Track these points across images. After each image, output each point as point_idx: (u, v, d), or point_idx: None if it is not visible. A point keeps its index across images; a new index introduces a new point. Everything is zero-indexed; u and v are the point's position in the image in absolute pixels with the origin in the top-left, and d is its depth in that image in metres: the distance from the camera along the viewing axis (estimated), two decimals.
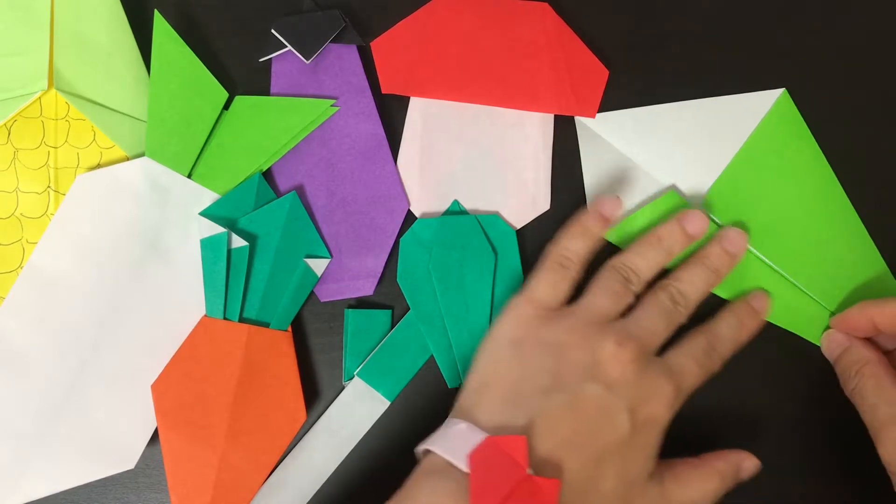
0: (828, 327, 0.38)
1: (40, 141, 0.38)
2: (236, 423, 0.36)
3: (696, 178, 0.39)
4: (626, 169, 0.40)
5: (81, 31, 0.39)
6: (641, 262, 0.36)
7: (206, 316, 0.37)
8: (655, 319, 0.34)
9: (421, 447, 0.32)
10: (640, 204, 0.39)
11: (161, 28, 0.38)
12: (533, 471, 0.30)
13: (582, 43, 0.40)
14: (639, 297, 0.36)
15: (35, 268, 0.37)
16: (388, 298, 0.40)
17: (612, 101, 0.41)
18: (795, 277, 0.39)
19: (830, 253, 0.39)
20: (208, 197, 0.39)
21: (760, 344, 0.39)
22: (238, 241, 0.37)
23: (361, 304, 0.40)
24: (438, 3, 0.41)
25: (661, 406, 0.32)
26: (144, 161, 0.38)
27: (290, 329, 0.38)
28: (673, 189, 0.39)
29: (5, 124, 0.38)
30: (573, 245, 0.36)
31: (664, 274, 0.37)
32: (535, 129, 0.40)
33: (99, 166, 0.38)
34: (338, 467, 0.38)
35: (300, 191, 0.39)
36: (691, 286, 0.36)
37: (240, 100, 0.39)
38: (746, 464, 0.35)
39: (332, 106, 0.40)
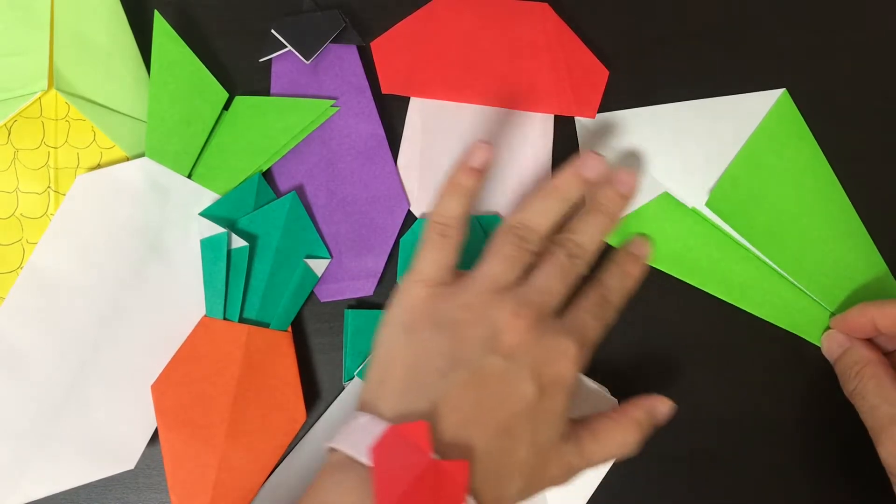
0: (828, 328, 0.38)
1: (40, 141, 0.38)
2: (236, 423, 0.36)
3: (697, 178, 0.39)
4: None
5: (81, 31, 0.39)
6: (537, 217, 0.34)
7: (206, 316, 0.37)
8: (553, 279, 0.33)
9: (326, 444, 0.31)
10: (639, 204, 0.39)
11: (161, 28, 0.38)
12: (440, 454, 0.29)
13: (582, 43, 0.40)
14: (540, 253, 0.35)
15: (35, 268, 0.37)
16: (388, 298, 0.39)
17: (612, 101, 0.41)
18: (796, 278, 0.39)
19: (831, 253, 0.39)
20: (208, 197, 0.39)
21: (761, 344, 0.39)
22: (238, 241, 0.37)
23: (361, 304, 0.40)
24: (438, 3, 0.41)
25: (565, 365, 0.32)
26: (144, 161, 0.38)
27: (290, 329, 0.38)
28: (668, 191, 0.39)
29: (5, 124, 0.38)
30: (448, 208, 0.34)
31: None
32: (535, 129, 0.40)
33: (99, 166, 0.38)
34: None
35: (300, 191, 0.39)
36: (587, 236, 0.35)
37: (240, 100, 0.39)
38: (661, 408, 0.34)
39: (332, 106, 0.40)
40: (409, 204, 0.40)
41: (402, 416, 0.30)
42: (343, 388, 0.38)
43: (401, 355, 0.32)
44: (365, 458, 0.29)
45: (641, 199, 0.39)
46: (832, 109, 0.41)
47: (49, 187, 0.38)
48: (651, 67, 0.42)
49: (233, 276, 0.37)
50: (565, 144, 0.41)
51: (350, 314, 0.38)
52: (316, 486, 0.30)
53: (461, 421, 0.30)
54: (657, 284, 0.39)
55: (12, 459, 0.35)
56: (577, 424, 0.33)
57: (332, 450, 0.31)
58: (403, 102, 0.41)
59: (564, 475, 0.33)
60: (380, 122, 0.40)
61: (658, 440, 0.39)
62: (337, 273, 0.39)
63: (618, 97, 0.41)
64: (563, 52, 0.40)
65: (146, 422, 0.37)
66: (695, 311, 0.39)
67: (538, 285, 0.33)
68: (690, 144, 0.40)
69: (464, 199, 0.34)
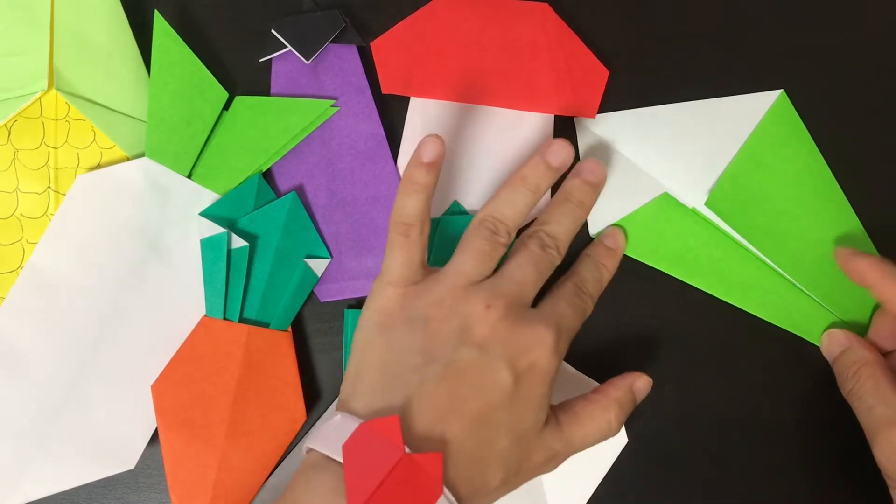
0: (828, 327, 0.38)
1: (40, 141, 0.38)
2: (236, 423, 0.36)
3: (695, 179, 0.39)
4: (626, 170, 0.40)
5: (81, 31, 0.39)
6: (507, 209, 0.34)
7: (206, 316, 0.37)
8: (525, 270, 0.33)
9: (303, 445, 0.32)
10: (639, 205, 0.39)
11: (161, 28, 0.38)
12: (415, 449, 0.29)
13: (582, 43, 0.40)
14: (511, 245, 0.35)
15: (35, 268, 0.37)
16: None
17: (612, 101, 0.41)
18: (795, 277, 0.39)
19: (829, 253, 0.39)
20: (208, 197, 0.39)
21: (761, 344, 0.39)
22: (238, 241, 0.37)
23: (361, 304, 0.40)
24: (438, 3, 0.41)
25: (542, 351, 0.32)
26: (144, 161, 0.38)
27: (290, 329, 0.38)
28: (668, 191, 0.39)
29: (5, 124, 0.38)
30: (406, 206, 0.34)
31: None
32: (535, 129, 0.40)
33: (99, 166, 0.38)
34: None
35: (300, 191, 0.39)
36: (559, 226, 0.35)
37: (240, 100, 0.39)
38: (639, 384, 0.34)
39: (332, 106, 0.40)
40: None
41: (376, 413, 0.30)
42: None
43: (375, 354, 0.32)
44: (339, 457, 0.29)
45: (642, 199, 0.39)
46: (832, 109, 0.41)
47: (49, 187, 0.38)
48: (651, 67, 0.42)
49: (233, 276, 0.37)
50: None
51: (350, 314, 0.38)
52: (291, 486, 0.31)
53: (436, 414, 0.30)
54: (657, 284, 0.39)
55: (12, 459, 0.35)
56: (557, 409, 0.33)
57: (310, 450, 0.31)
58: (403, 102, 0.41)
59: (548, 462, 0.33)
60: (380, 122, 0.40)
61: (658, 440, 0.39)
62: (337, 273, 0.39)
63: (618, 97, 0.41)
64: (563, 52, 0.40)
65: (146, 422, 0.37)
66: (695, 311, 0.39)
67: (510, 276, 0.33)
68: (690, 145, 0.40)
69: (421, 195, 0.34)
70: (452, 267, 0.34)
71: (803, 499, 0.38)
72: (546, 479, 0.37)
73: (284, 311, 0.38)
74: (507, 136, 0.40)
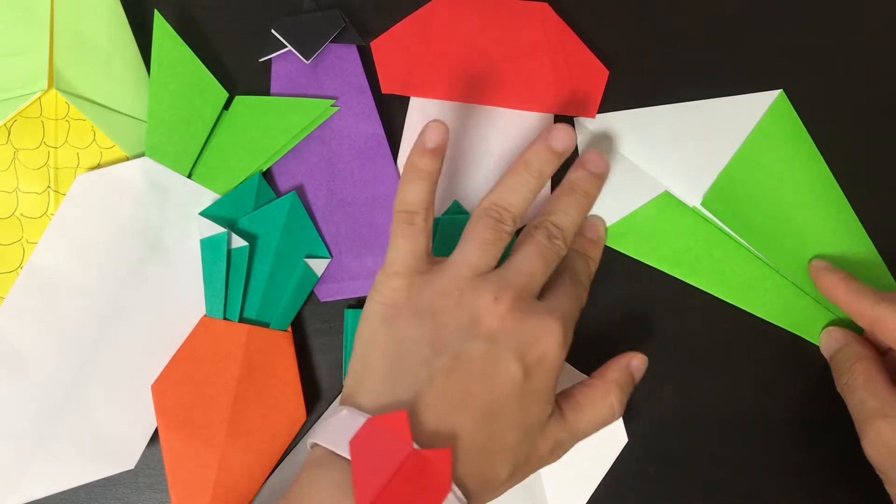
0: (827, 325, 0.38)
1: (40, 141, 0.38)
2: (236, 423, 0.36)
3: (695, 179, 0.39)
4: (626, 169, 0.40)
5: (81, 31, 0.39)
6: (512, 196, 0.34)
7: (206, 316, 0.37)
8: (532, 260, 0.33)
9: (308, 440, 0.31)
10: (639, 204, 0.39)
11: (161, 28, 0.38)
12: (424, 444, 0.29)
13: (582, 43, 0.40)
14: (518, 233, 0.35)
15: (35, 268, 0.37)
16: None
17: (612, 101, 0.41)
18: (794, 277, 0.39)
19: (828, 253, 0.39)
20: (208, 197, 0.39)
21: (760, 344, 0.39)
22: (238, 241, 0.37)
23: (361, 304, 0.40)
24: (438, 3, 0.41)
25: (550, 343, 0.31)
26: (144, 161, 0.38)
27: (290, 329, 0.38)
28: (668, 191, 0.39)
29: (5, 124, 0.38)
30: (412, 194, 0.33)
31: None
32: (535, 129, 0.40)
33: (99, 166, 0.38)
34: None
35: (300, 191, 0.39)
36: (566, 217, 0.35)
37: (240, 100, 0.39)
38: (635, 363, 0.35)
39: (332, 106, 0.40)
40: None
41: (383, 408, 0.30)
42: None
43: (381, 346, 0.32)
44: (345, 452, 0.29)
45: (642, 199, 0.39)
46: (831, 110, 0.41)
47: (49, 187, 0.38)
48: (651, 67, 0.42)
49: (233, 276, 0.37)
50: None
51: (350, 314, 0.38)
52: (297, 481, 0.30)
53: (445, 408, 0.30)
54: (657, 284, 0.39)
55: (12, 459, 0.35)
56: (559, 398, 0.33)
57: (315, 445, 0.31)
58: (403, 102, 0.41)
59: (554, 452, 0.32)
60: (380, 122, 0.40)
61: (658, 440, 0.39)
62: (337, 273, 0.39)
63: (618, 97, 0.41)
64: (563, 52, 0.40)
65: (146, 422, 0.37)
66: (695, 310, 0.39)
67: (518, 267, 0.33)
68: (689, 145, 0.40)
69: (425, 183, 0.33)
70: (458, 257, 0.33)
71: (803, 499, 0.38)
72: (546, 479, 0.37)
73: (284, 311, 0.38)
74: (507, 135, 0.40)
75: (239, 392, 0.36)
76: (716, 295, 0.39)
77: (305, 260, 0.38)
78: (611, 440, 0.37)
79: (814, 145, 0.40)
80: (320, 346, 0.39)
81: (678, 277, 0.39)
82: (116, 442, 0.36)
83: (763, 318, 0.39)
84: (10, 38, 0.38)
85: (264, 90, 0.40)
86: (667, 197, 0.39)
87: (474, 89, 0.40)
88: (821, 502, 0.39)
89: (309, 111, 0.39)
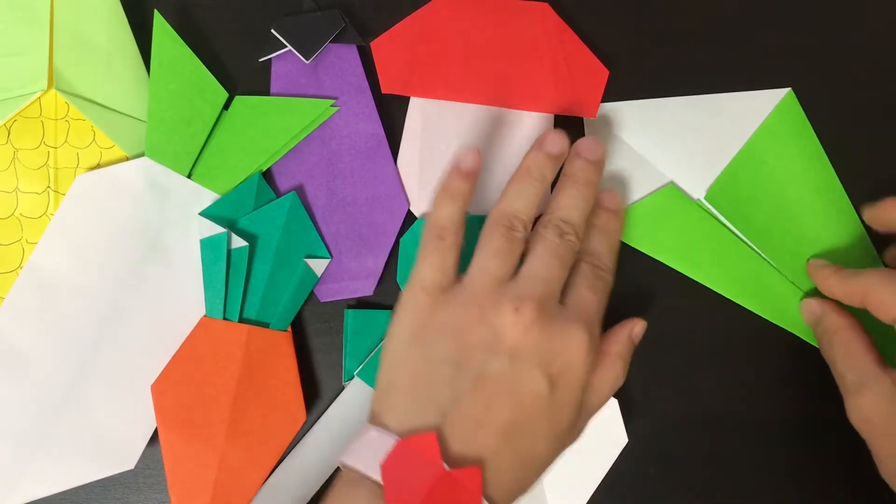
0: (804, 296, 0.39)
1: (40, 141, 0.38)
2: (236, 423, 0.36)
3: (699, 172, 0.39)
4: (631, 159, 0.40)
5: (81, 31, 0.39)
6: (519, 202, 0.34)
7: (206, 316, 0.37)
8: (548, 262, 0.33)
9: (339, 459, 0.31)
10: (643, 195, 0.39)
11: (161, 28, 0.38)
12: (454, 463, 0.29)
13: (582, 43, 0.40)
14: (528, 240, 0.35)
15: (35, 268, 0.37)
16: (388, 298, 0.40)
17: (613, 100, 0.41)
18: (794, 277, 0.39)
19: (828, 253, 0.39)
20: (208, 197, 0.39)
21: (761, 344, 0.39)
22: (238, 241, 0.37)
23: (361, 304, 0.40)
24: (438, 3, 0.41)
25: (575, 352, 0.31)
26: (144, 161, 0.38)
27: (290, 329, 0.38)
28: (672, 183, 0.39)
29: (5, 124, 0.38)
30: (444, 213, 0.34)
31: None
32: (536, 129, 0.40)
33: (99, 166, 0.38)
34: (338, 467, 0.38)
35: (300, 191, 0.39)
36: (573, 210, 0.35)
37: (240, 100, 0.39)
38: (636, 330, 0.35)
39: (332, 106, 0.40)
40: (409, 204, 0.40)
41: (410, 430, 0.30)
42: (343, 388, 0.38)
43: (406, 366, 0.32)
44: (376, 475, 0.29)
45: (647, 190, 0.39)
46: (832, 109, 0.41)
47: (49, 187, 0.38)
48: (651, 67, 0.42)
49: (233, 276, 0.37)
50: None
51: (350, 314, 0.38)
52: (328, 502, 0.30)
53: (471, 428, 0.30)
54: (658, 284, 0.39)
55: (12, 459, 0.35)
56: None
57: (343, 465, 0.31)
58: (403, 102, 0.41)
59: (576, 439, 0.33)
60: (380, 122, 0.40)
61: (658, 440, 0.39)
62: (337, 273, 0.39)
63: (618, 97, 0.41)
64: (563, 52, 0.40)
65: (146, 422, 0.37)
66: (695, 311, 0.39)
67: (534, 273, 0.33)
68: (695, 138, 0.40)
69: (458, 203, 0.34)
70: (475, 270, 0.33)
71: (803, 499, 0.38)
72: (546, 478, 0.37)
73: (284, 311, 0.38)
74: (507, 136, 0.40)
75: (239, 392, 0.36)
76: (715, 290, 0.39)
77: (305, 260, 0.38)
78: (611, 440, 0.37)
79: (819, 145, 0.40)
80: (320, 346, 0.39)
81: (679, 270, 0.39)
82: (116, 442, 0.36)
83: (762, 315, 0.39)
84: (10, 38, 0.38)
85: (264, 90, 0.40)
86: (672, 189, 0.39)
87: (474, 89, 0.40)
88: (820, 502, 0.39)
89: (309, 111, 0.39)
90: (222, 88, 0.39)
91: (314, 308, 0.39)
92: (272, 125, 0.39)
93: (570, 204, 0.35)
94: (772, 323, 0.39)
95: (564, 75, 0.40)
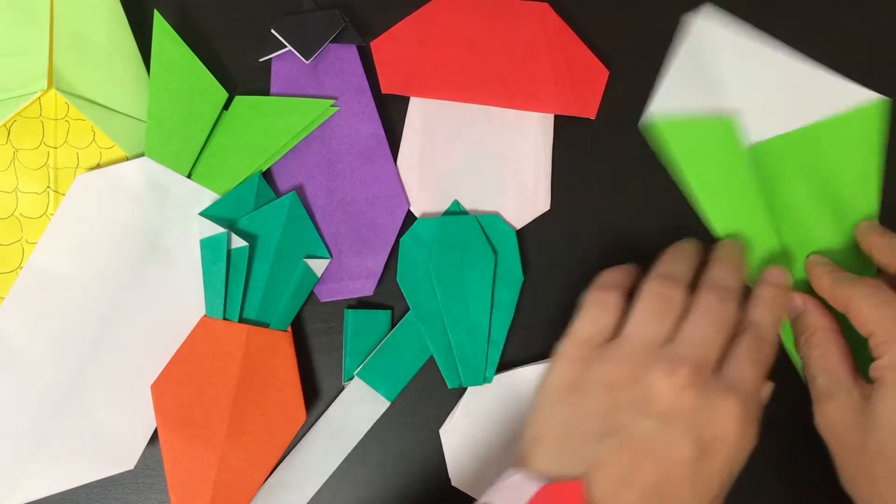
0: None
1: (40, 141, 0.38)
2: (236, 423, 0.36)
3: (760, 125, 0.39)
4: (709, 74, 0.40)
5: (81, 31, 0.39)
6: (677, 264, 0.35)
7: (206, 316, 0.37)
8: (705, 328, 0.32)
9: (482, 500, 0.31)
10: (705, 113, 0.39)
11: (161, 28, 0.38)
12: None
13: (582, 43, 0.40)
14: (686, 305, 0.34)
15: (35, 268, 0.37)
16: (388, 298, 0.40)
17: (613, 101, 0.41)
18: (793, 271, 0.38)
19: (834, 256, 0.38)
20: (208, 197, 0.39)
21: None
22: (238, 241, 0.37)
23: (361, 304, 0.40)
24: (438, 3, 0.41)
25: (728, 423, 0.31)
26: (144, 161, 0.38)
27: (289, 329, 0.38)
28: (736, 116, 0.39)
29: (5, 124, 0.38)
30: (615, 275, 0.35)
31: None
32: (535, 129, 0.40)
33: (99, 166, 0.38)
34: (338, 467, 0.38)
35: (300, 191, 0.39)
36: (730, 274, 0.35)
37: (239, 100, 0.39)
38: (764, 392, 0.34)
39: (332, 106, 0.40)
40: (408, 204, 0.40)
41: (555, 477, 0.30)
42: (343, 388, 0.38)
43: (556, 418, 0.32)
44: None
45: (711, 106, 0.39)
46: None
47: (49, 187, 0.38)
48: (651, 67, 0.42)
49: (233, 276, 0.37)
50: (565, 144, 0.41)
51: (350, 314, 0.38)
52: None
53: (616, 484, 0.30)
54: None
55: (12, 459, 0.35)
56: None
57: None
58: (403, 102, 0.41)
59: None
60: (380, 121, 0.40)
61: None
62: (337, 273, 0.39)
63: (618, 97, 0.41)
64: (563, 52, 0.40)
65: (146, 422, 0.37)
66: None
67: (690, 338, 0.32)
68: (773, 93, 0.40)
69: (628, 278, 0.35)
70: (630, 329, 0.33)
71: (803, 499, 0.38)
72: None
73: (284, 311, 0.38)
74: (508, 136, 0.40)
75: (239, 392, 0.36)
76: (717, 236, 0.38)
77: (305, 260, 0.38)
78: None
79: (878, 168, 0.39)
80: (320, 346, 0.39)
81: (697, 204, 0.39)
82: (116, 442, 0.36)
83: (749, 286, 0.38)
84: (10, 38, 0.38)
85: (264, 90, 0.40)
86: (733, 122, 0.39)
87: (474, 89, 0.40)
88: (821, 502, 0.38)
89: (309, 111, 0.39)
90: (222, 88, 0.39)
91: (314, 308, 0.39)
92: (272, 125, 0.39)
93: (727, 269, 0.35)
94: None
95: (564, 75, 0.40)
